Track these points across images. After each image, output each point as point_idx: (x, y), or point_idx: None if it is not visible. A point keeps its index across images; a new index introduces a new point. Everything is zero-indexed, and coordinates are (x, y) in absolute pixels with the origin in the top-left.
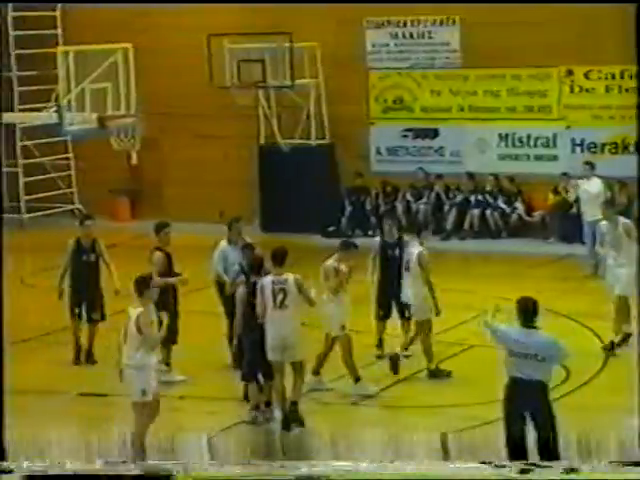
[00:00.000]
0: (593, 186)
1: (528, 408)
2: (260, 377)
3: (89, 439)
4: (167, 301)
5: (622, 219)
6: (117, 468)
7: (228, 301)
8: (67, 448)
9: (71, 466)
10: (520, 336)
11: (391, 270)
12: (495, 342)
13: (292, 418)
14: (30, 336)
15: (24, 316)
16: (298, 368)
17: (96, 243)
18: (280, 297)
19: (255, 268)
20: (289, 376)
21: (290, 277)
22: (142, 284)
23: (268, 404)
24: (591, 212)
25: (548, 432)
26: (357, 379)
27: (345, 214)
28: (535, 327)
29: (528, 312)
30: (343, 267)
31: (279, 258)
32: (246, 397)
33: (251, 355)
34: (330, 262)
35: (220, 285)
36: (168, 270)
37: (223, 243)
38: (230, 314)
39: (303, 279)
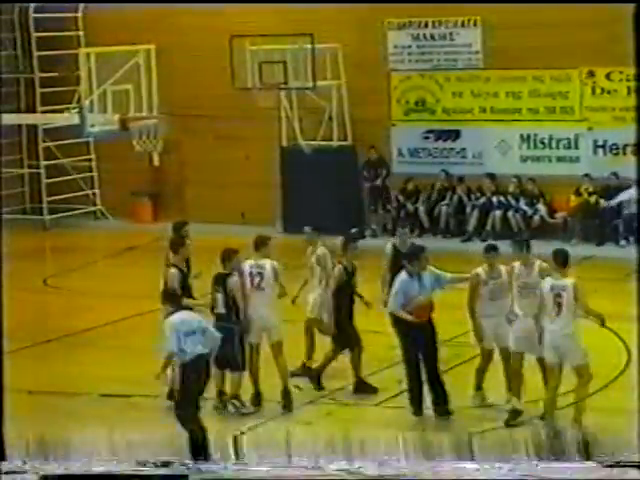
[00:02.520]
0: None
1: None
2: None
3: (111, 440)
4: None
5: (539, 261)
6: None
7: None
8: (87, 449)
9: (93, 467)
10: (187, 316)
11: None
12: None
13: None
14: (52, 337)
15: (46, 317)
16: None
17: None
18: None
19: None
20: None
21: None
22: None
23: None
24: None
25: None
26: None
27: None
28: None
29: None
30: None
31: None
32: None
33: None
34: (480, 270)
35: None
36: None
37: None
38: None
39: None
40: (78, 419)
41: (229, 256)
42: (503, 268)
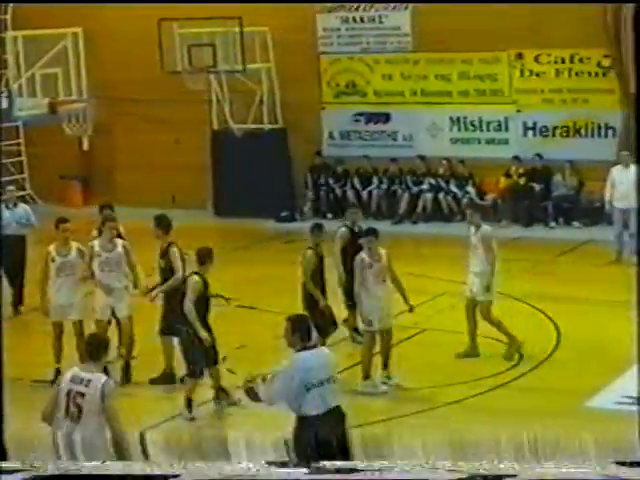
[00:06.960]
0: (631, 173)
1: None
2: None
3: None
4: None
5: (485, 226)
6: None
7: None
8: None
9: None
10: None
11: None
12: None
13: None
14: None
15: None
16: None
17: (171, 247)
18: None
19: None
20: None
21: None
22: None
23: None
24: (625, 199)
25: None
26: (367, 377)
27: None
28: None
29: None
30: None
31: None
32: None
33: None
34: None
35: None
36: None
37: None
38: None
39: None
40: None
41: None
42: (383, 251)
